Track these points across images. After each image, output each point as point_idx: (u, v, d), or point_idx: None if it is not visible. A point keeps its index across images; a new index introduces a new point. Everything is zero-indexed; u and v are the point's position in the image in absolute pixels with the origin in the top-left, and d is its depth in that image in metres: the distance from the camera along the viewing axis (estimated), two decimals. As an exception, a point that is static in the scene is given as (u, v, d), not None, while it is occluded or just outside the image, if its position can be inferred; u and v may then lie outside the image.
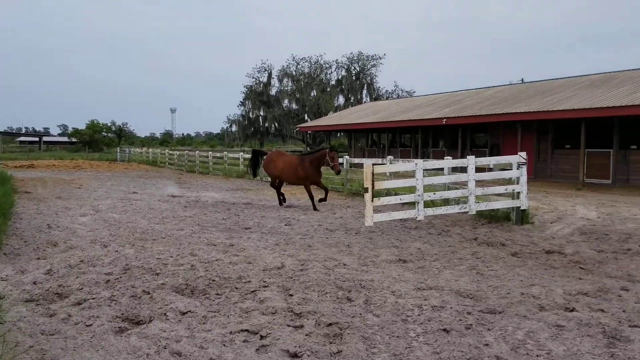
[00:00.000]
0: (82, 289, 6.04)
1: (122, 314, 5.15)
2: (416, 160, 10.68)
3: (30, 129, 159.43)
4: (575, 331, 4.77)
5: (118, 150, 51.00)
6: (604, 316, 5.19)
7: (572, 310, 5.39)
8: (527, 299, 5.81)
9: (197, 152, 35.45)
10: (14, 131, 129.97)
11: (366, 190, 9.81)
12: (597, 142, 22.28)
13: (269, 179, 15.67)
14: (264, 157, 15.94)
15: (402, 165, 10.97)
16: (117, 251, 8.13)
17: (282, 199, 15.00)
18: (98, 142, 72.09)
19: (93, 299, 5.64)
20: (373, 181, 9.80)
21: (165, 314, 5.15)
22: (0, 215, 9.13)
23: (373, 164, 9.99)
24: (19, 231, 9.69)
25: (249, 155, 29.06)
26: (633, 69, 25.41)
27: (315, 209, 13.80)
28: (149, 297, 5.70)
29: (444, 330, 4.76)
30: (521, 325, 4.91)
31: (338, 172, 14.39)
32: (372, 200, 9.88)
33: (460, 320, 5.03)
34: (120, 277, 6.54)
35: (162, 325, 4.82)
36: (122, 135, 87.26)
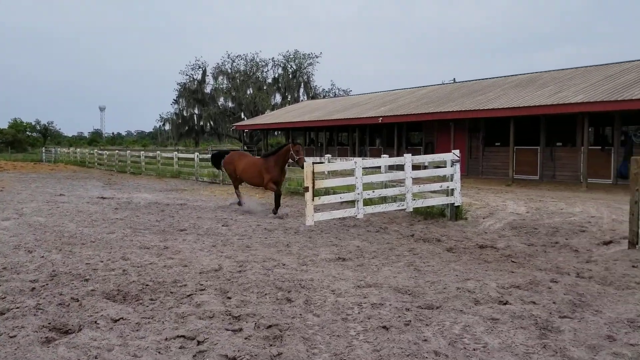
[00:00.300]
0: (4, 297, 5.65)
1: (49, 323, 4.84)
2: (355, 159, 10.75)
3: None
4: (509, 324, 4.90)
5: (43, 151, 48.58)
6: (535, 308, 5.37)
7: (505, 304, 5.54)
8: (463, 293, 5.93)
9: (128, 151, 34.28)
10: None
11: (306, 189, 9.76)
12: (525, 139, 23.27)
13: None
14: (224, 157, 15.22)
15: (342, 164, 11.01)
16: (43, 257, 7.68)
17: (240, 201, 14.41)
18: (22, 142, 68.54)
19: (17, 308, 5.28)
20: (314, 180, 9.77)
21: (95, 321, 4.88)
22: None
23: (313, 163, 9.94)
24: None
25: (184, 155, 28.47)
26: (557, 70, 26.70)
27: (275, 212, 12.80)
28: (77, 305, 5.40)
29: (384, 327, 4.77)
30: (458, 320, 4.99)
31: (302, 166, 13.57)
32: (313, 200, 9.85)
33: (400, 316, 5.07)
34: (47, 284, 6.17)
35: (92, 334, 4.57)
36: (48, 135, 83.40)
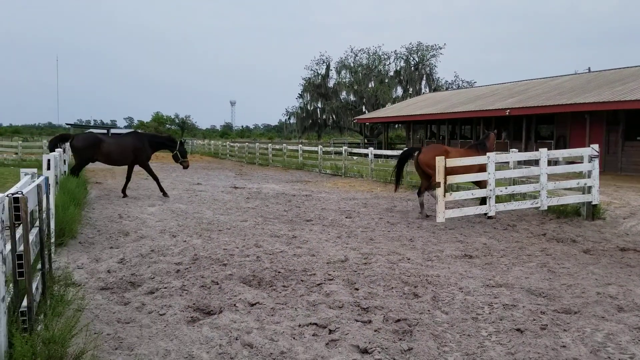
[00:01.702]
0: (154, 278, 6.23)
1: (194, 303, 5.27)
2: (488, 153, 10.37)
3: (99, 122, 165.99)
4: (659, 335, 4.51)
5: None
6: (690, 320, 4.89)
7: (654, 313, 5.11)
8: (604, 299, 5.56)
9: (257, 144, 35.93)
10: (83, 124, 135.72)
11: (438, 185, 9.58)
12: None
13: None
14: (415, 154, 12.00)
15: (474, 159, 10.62)
16: (185, 241, 8.35)
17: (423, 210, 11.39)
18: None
19: (165, 288, 5.81)
20: (445, 175, 9.57)
21: (234, 304, 5.24)
22: (76, 205, 9.54)
23: (444, 158, 9.73)
24: (92, 220, 10.12)
25: (308, 148, 29.16)
26: None
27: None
28: (218, 288, 5.81)
29: (518, 330, 4.61)
30: (600, 327, 4.69)
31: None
32: (444, 196, 9.65)
33: (534, 320, 4.86)
34: (190, 267, 6.71)
35: (232, 316, 4.91)
36: (185, 128, 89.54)
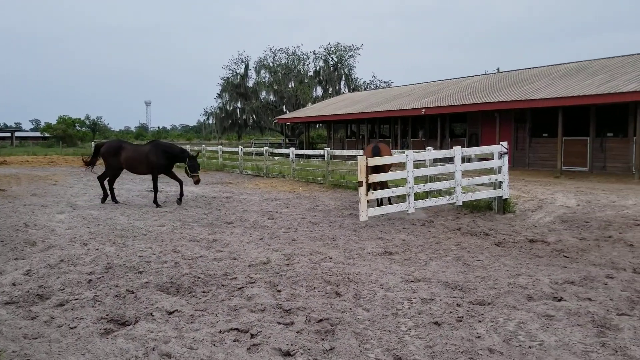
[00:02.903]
0: (63, 289, 5.87)
1: (107, 314, 5.01)
2: (407, 152, 10.62)
3: (1, 125, 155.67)
4: (565, 321, 4.78)
5: (93, 145, 50.03)
6: (592, 305, 5.22)
7: (560, 300, 5.41)
8: (515, 289, 5.82)
9: (174, 145, 34.97)
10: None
11: (360, 184, 9.67)
12: (574, 130, 22.58)
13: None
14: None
15: (394, 157, 10.87)
16: (97, 249, 7.95)
17: None
18: (72, 136, 70.69)
19: (76, 299, 5.48)
20: (367, 174, 9.69)
21: (151, 313, 5.03)
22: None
23: (366, 157, 9.86)
24: (-6, 230, 9.42)
25: (228, 149, 28.72)
26: (607, 57, 25.77)
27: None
28: (133, 297, 5.56)
29: (436, 323, 4.73)
30: (511, 316, 4.91)
31: None
32: (367, 194, 9.77)
33: (451, 312, 5.02)
34: (103, 276, 6.38)
35: (149, 326, 4.70)
36: (97, 129, 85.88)
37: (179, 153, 13.84)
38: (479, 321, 4.81)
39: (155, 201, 13.29)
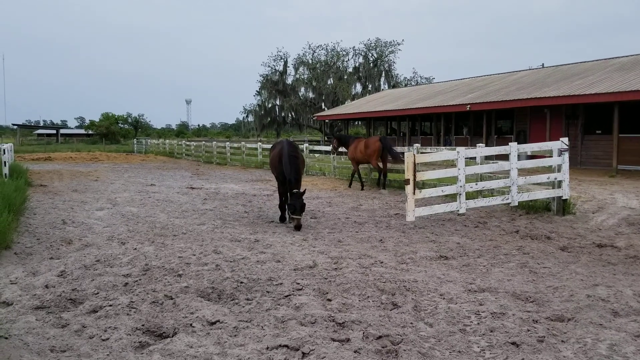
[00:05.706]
0: (97, 293, 5.46)
1: (143, 324, 4.54)
2: (458, 148, 9.94)
3: (48, 122, 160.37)
4: (665, 344, 4.09)
5: (135, 142, 50.73)
6: (693, 324, 4.50)
7: (652, 317, 4.70)
8: (596, 302, 5.13)
9: (214, 142, 34.90)
10: (32, 124, 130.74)
11: (407, 182, 9.07)
12: (631, 126, 21.31)
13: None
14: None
15: (444, 154, 10.20)
16: (135, 249, 7.57)
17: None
18: (115, 134, 72.00)
19: (110, 305, 5.05)
20: (415, 172, 9.07)
21: (191, 324, 4.55)
22: (11, 211, 8.59)
23: (414, 154, 9.25)
24: (31, 227, 9.18)
25: (267, 146, 28.32)
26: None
27: None
28: (172, 304, 5.11)
29: (513, 343, 4.10)
30: (600, 336, 4.24)
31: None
32: (414, 193, 9.15)
33: (529, 330, 4.38)
34: (140, 280, 5.96)
35: (188, 340, 4.22)
36: (139, 127, 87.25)
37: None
38: (562, 341, 4.16)
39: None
